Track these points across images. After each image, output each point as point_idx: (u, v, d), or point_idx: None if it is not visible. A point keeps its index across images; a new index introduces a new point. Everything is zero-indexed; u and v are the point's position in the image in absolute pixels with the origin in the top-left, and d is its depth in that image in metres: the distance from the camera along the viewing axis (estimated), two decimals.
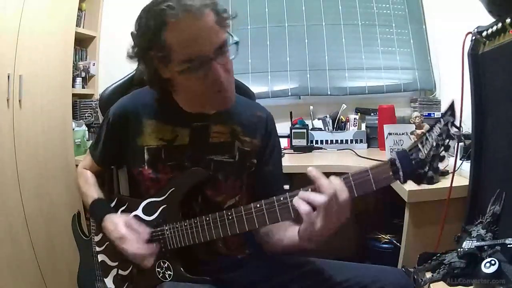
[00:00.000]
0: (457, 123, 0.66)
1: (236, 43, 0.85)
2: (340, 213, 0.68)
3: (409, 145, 0.69)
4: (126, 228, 0.89)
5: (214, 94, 0.85)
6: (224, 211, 0.82)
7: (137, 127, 0.95)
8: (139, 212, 0.94)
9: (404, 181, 0.67)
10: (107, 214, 0.94)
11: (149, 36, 0.80)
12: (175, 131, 0.94)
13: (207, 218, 0.84)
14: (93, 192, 1.02)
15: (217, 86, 0.83)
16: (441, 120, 0.66)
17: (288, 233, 0.88)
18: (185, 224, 0.87)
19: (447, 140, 0.65)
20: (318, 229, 0.69)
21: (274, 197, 0.76)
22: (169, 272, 0.89)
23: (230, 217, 0.81)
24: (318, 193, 0.69)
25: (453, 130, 0.65)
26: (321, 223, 0.69)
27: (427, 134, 0.66)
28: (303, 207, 0.69)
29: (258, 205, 0.78)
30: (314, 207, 0.69)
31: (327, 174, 0.70)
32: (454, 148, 1.27)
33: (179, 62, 0.80)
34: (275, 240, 0.93)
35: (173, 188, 0.90)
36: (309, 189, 0.72)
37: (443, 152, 0.66)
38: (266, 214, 0.77)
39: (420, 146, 0.66)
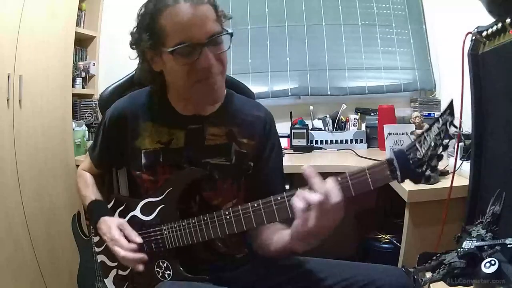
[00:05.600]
0: (456, 122, 0.65)
1: (230, 34, 0.86)
2: (334, 214, 0.67)
3: (407, 144, 0.68)
4: (119, 232, 0.89)
5: (203, 83, 0.84)
6: (222, 211, 0.82)
7: (134, 129, 0.95)
8: (137, 212, 0.94)
9: (402, 181, 0.67)
10: (102, 216, 0.95)
11: (146, 20, 0.83)
12: (171, 134, 0.93)
13: (205, 218, 0.84)
14: (90, 193, 1.02)
15: (206, 73, 0.83)
16: (440, 119, 0.65)
17: (279, 235, 0.86)
18: (183, 223, 0.86)
19: (446, 140, 0.65)
20: (310, 228, 0.68)
21: (272, 196, 0.76)
22: (168, 272, 0.89)
23: (228, 217, 0.81)
24: (313, 192, 0.68)
25: (452, 129, 0.64)
26: (314, 222, 0.67)
27: (425, 134, 0.66)
28: (298, 204, 0.69)
29: (255, 205, 0.78)
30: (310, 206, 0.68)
31: (327, 174, 0.70)
32: (454, 148, 1.27)
33: (171, 45, 0.80)
34: (267, 243, 0.91)
35: (170, 188, 0.90)
36: (307, 189, 0.71)
37: (442, 151, 0.65)
38: (264, 214, 0.77)
39: (418, 145, 0.66)
